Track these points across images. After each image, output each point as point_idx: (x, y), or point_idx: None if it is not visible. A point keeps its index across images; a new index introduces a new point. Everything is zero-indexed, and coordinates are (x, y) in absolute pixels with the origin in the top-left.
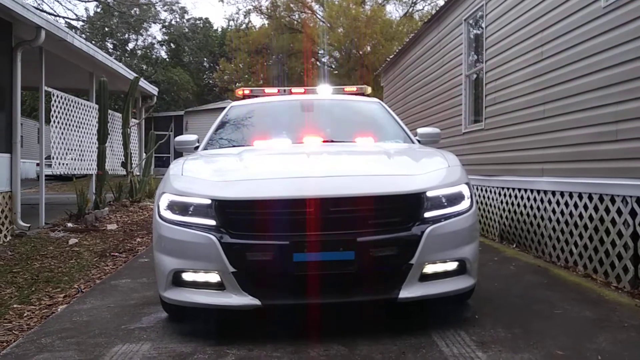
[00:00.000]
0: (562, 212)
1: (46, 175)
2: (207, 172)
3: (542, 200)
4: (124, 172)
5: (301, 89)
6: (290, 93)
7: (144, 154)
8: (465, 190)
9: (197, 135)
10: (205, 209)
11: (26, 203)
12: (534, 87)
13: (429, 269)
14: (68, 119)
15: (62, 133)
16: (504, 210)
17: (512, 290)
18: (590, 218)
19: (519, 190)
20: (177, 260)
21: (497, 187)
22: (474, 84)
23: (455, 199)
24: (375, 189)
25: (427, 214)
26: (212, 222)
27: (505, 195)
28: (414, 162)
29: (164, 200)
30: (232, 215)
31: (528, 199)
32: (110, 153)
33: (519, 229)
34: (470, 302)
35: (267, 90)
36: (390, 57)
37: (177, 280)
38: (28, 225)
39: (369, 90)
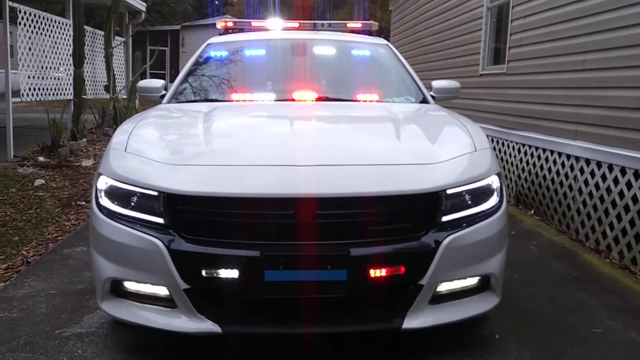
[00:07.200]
0: (596, 186)
1: None
2: (158, 146)
3: (572, 167)
4: (108, 97)
5: (295, 23)
6: (282, 29)
7: (132, 76)
8: (495, 182)
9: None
10: (150, 202)
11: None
12: (573, 31)
13: (443, 287)
14: (38, 40)
15: (32, 56)
16: (522, 170)
17: (537, 288)
18: (634, 199)
19: (544, 150)
20: (115, 267)
21: (517, 143)
22: (496, 20)
23: (483, 195)
24: (380, 185)
25: (445, 218)
26: (160, 220)
27: (526, 153)
28: (430, 140)
29: (101, 184)
30: (185, 213)
31: (554, 162)
32: (91, 76)
33: (540, 194)
34: None
35: (255, 23)
36: None
37: (116, 290)
38: None
39: (376, 26)
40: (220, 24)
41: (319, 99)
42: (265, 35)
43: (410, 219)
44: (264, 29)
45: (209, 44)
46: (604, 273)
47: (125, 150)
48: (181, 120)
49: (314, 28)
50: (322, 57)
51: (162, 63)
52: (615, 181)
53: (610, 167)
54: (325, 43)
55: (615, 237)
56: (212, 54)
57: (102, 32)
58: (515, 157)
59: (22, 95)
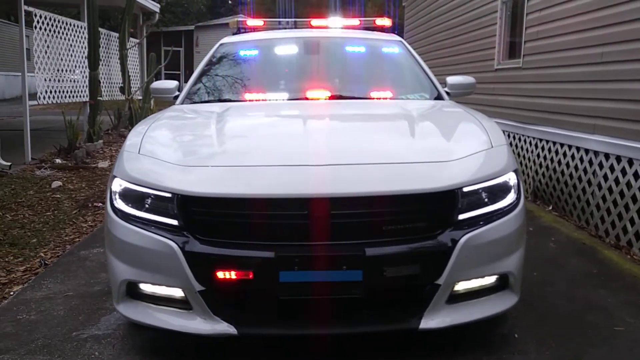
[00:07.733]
0: (616, 180)
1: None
2: (172, 148)
3: (590, 162)
4: (124, 98)
5: (308, 21)
6: (294, 27)
7: (147, 77)
8: (512, 179)
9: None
10: (164, 203)
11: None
12: (590, 24)
13: (460, 286)
14: (54, 43)
15: (48, 59)
16: (540, 165)
17: (556, 286)
18: None
19: (562, 145)
20: (131, 270)
21: (534, 138)
22: (511, 14)
23: (500, 192)
24: (395, 184)
25: (461, 216)
26: (174, 222)
27: (543, 148)
28: (445, 137)
29: (115, 187)
30: (199, 215)
31: (573, 157)
32: (107, 77)
33: (558, 190)
34: None
35: (267, 21)
36: None
37: (132, 292)
38: (9, 163)
39: (389, 22)
40: (233, 24)
41: (332, 97)
42: (277, 34)
43: (426, 217)
44: (276, 27)
45: (221, 44)
46: (625, 270)
47: (138, 152)
48: (194, 121)
49: (327, 26)
50: (336, 55)
51: (177, 63)
52: (636, 175)
53: (630, 162)
54: (338, 41)
55: (636, 232)
56: (225, 53)
57: (117, 34)
58: (532, 152)
59: (39, 97)
